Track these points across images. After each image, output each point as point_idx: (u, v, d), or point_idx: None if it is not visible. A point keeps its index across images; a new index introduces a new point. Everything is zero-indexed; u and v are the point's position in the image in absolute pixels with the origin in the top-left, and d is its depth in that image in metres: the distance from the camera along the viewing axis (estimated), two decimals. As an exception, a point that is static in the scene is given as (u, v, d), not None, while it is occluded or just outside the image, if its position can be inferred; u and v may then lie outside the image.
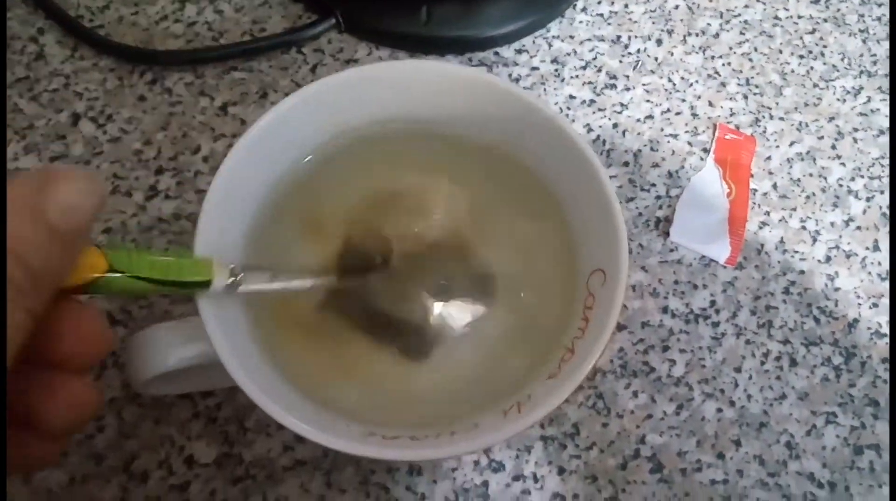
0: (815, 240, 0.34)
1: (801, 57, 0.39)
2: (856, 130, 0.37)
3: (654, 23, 0.39)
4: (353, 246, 0.27)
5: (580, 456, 0.29)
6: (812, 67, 0.39)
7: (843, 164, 0.36)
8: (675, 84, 0.37)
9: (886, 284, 0.34)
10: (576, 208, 0.26)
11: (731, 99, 0.37)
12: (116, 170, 0.33)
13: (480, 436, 0.22)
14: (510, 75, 0.37)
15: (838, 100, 0.38)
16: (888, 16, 0.40)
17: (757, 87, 0.38)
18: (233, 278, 0.22)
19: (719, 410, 0.31)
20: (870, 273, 0.34)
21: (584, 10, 0.39)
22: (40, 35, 0.36)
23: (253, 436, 0.29)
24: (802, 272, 0.34)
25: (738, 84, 0.38)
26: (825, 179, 0.36)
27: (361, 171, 0.28)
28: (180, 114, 0.34)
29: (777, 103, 0.37)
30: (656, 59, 0.38)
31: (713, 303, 0.33)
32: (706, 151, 0.36)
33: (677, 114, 0.37)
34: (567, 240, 0.27)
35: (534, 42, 0.38)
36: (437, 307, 0.27)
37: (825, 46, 0.39)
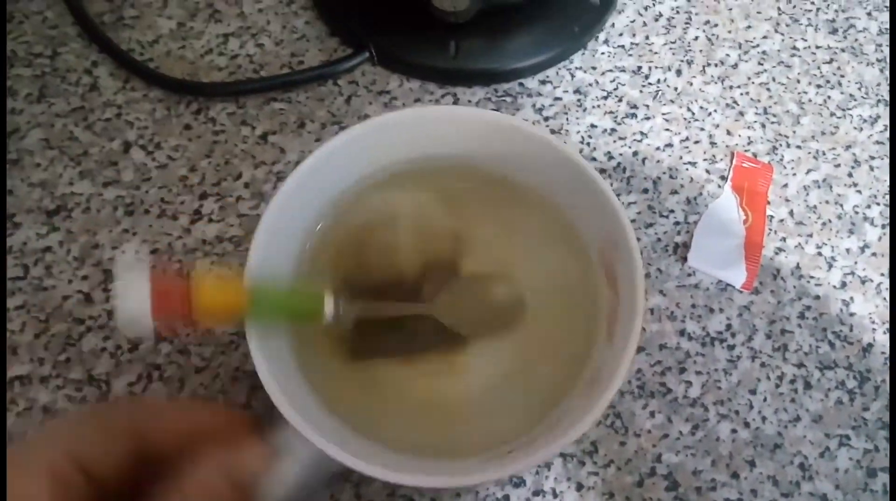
0: (830, 266, 0.35)
1: (819, 86, 0.40)
2: (872, 158, 0.38)
3: (673, 54, 0.40)
4: (392, 277, 0.29)
5: (598, 473, 0.31)
6: (829, 97, 0.40)
7: (859, 191, 0.37)
8: (693, 113, 0.39)
9: (901, 309, 0.34)
10: (595, 238, 0.28)
11: (748, 128, 0.38)
12: (164, 195, 0.35)
13: (510, 464, 0.24)
14: (534, 105, 0.38)
15: (855, 128, 0.39)
16: (906, 46, 0.41)
17: (774, 116, 0.39)
18: (336, 308, 0.25)
19: (734, 431, 0.32)
20: (885, 299, 0.35)
21: (605, 41, 0.41)
22: (94, 67, 0.39)
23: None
24: (818, 298, 0.35)
25: (756, 113, 0.39)
26: (841, 206, 0.37)
27: (398, 204, 0.30)
28: (223, 142, 0.37)
29: (794, 132, 0.39)
30: (676, 89, 0.39)
31: (729, 327, 0.34)
32: (724, 178, 0.37)
33: (696, 142, 0.38)
34: (587, 266, 0.29)
35: (557, 73, 0.39)
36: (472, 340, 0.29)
37: (842, 76, 0.40)
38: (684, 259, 0.35)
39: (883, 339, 0.34)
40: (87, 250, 0.34)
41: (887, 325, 0.34)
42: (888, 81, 0.40)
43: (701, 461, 0.31)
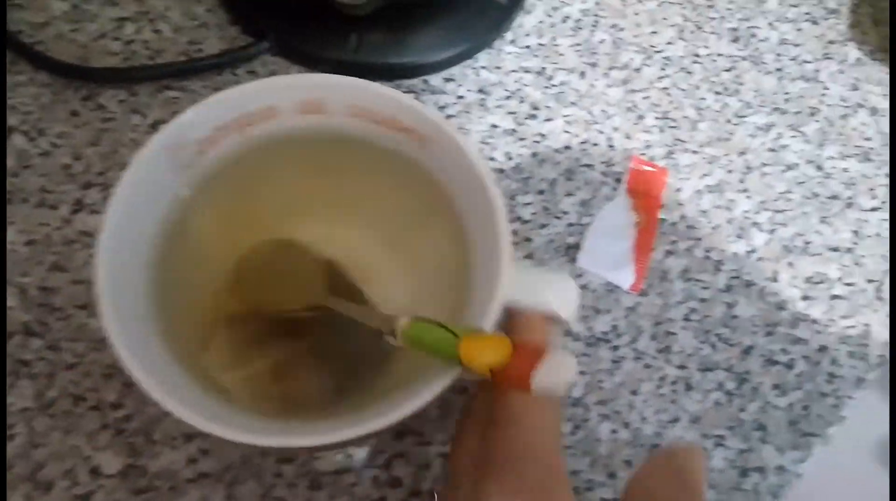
0: (717, 269, 0.36)
1: (718, 93, 0.41)
2: (764, 164, 0.39)
3: (579, 56, 0.41)
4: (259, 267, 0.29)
5: (478, 472, 0.31)
6: (727, 103, 0.40)
7: (749, 197, 0.38)
8: (594, 116, 0.39)
9: (784, 313, 0.35)
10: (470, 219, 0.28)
11: (647, 132, 0.39)
12: (44, 183, 0.34)
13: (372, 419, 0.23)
14: (436, 103, 0.38)
15: (749, 135, 0.40)
16: (802, 56, 0.42)
17: (673, 121, 0.40)
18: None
19: (614, 431, 0.32)
20: (768, 302, 0.36)
21: (512, 41, 0.41)
22: (-22, 49, 0.37)
23: (159, 448, 0.30)
24: (703, 300, 0.35)
25: (656, 118, 0.39)
26: (731, 211, 0.37)
27: (266, 176, 0.30)
28: (112, 130, 0.36)
29: (691, 137, 0.39)
30: (578, 91, 0.40)
31: (615, 327, 0.34)
32: (619, 181, 0.37)
33: (594, 145, 0.38)
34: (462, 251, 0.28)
35: (461, 71, 0.39)
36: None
37: (741, 84, 0.41)
38: (574, 260, 0.35)
39: (763, 341, 0.35)
40: (-41, 239, 0.33)
41: (768, 328, 0.35)
42: (784, 91, 0.41)
43: (580, 460, 0.32)
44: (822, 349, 0.35)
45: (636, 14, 0.43)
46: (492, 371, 0.20)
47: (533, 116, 0.39)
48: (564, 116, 0.39)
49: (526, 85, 0.39)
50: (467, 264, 0.27)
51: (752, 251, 0.37)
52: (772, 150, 0.39)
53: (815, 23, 0.44)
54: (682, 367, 0.34)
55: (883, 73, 0.42)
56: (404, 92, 0.38)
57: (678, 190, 0.38)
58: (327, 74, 0.27)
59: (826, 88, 0.41)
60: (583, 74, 0.40)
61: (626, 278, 0.35)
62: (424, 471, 0.31)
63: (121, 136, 0.36)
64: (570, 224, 0.36)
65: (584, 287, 0.35)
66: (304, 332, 0.29)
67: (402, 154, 0.28)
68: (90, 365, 0.31)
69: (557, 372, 0.19)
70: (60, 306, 0.32)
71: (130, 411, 0.30)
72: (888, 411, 0.34)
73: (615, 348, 0.34)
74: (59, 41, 0.38)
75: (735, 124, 0.40)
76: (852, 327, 0.35)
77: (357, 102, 0.27)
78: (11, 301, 0.32)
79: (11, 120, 0.35)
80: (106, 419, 0.30)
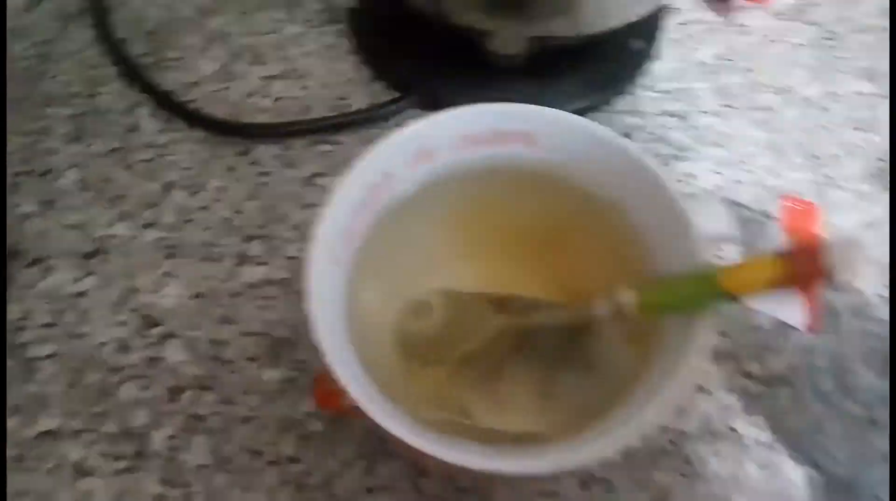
0: (889, 304, 0.35)
1: (857, 130, 0.40)
2: (920, 201, 0.38)
3: (716, 98, 0.40)
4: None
5: (673, 527, 0.29)
6: (872, 140, 0.40)
7: (911, 234, 0.37)
8: (740, 156, 0.39)
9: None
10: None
11: (794, 170, 0.38)
12: (207, 237, 0.34)
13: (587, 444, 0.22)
14: (581, 148, 0.38)
15: (902, 172, 0.39)
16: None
17: (818, 158, 0.39)
18: None
19: (807, 473, 0.30)
20: (948, 342, 0.34)
21: (650, 87, 0.41)
22: (135, 108, 0.38)
23: (342, 503, 0.29)
24: (878, 337, 0.34)
25: (801, 156, 0.39)
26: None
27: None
28: (268, 184, 0.36)
29: (839, 173, 0.38)
30: (721, 132, 0.39)
31: (793, 368, 0.33)
32: (770, 218, 0.37)
33: (743, 184, 0.38)
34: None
35: (602, 118, 0.39)
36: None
37: (881, 121, 0.40)
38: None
39: (954, 383, 0.33)
40: (125, 295, 0.33)
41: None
42: None
43: (780, 511, 0.30)
44: None
45: (767, 57, 0.43)
46: (782, 280, 0.19)
47: (680, 158, 0.38)
48: (710, 157, 0.38)
49: (669, 128, 0.39)
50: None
51: (925, 288, 0.35)
52: (926, 185, 0.38)
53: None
54: (866, 405, 0.32)
55: None
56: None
57: (836, 226, 0.37)
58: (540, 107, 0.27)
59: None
60: (723, 116, 0.40)
61: (799, 315, 0.34)
62: (618, 526, 0.29)
63: (278, 189, 0.36)
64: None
65: (756, 327, 0.33)
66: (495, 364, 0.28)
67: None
68: (266, 418, 0.30)
69: (849, 251, 0.18)
70: (231, 358, 0.31)
71: (309, 466, 0.29)
72: None
73: (797, 387, 0.32)
74: (210, 100, 0.38)
75: (882, 160, 0.39)
76: None
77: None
78: (182, 355, 0.31)
79: (170, 176, 0.36)
80: (285, 474, 0.29)
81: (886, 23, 0.44)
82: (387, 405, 0.23)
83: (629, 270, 0.28)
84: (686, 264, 0.25)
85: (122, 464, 0.29)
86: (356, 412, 0.28)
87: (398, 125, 0.38)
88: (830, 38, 0.43)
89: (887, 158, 0.39)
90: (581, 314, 0.26)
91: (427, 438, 0.21)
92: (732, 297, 0.21)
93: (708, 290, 0.21)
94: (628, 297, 0.23)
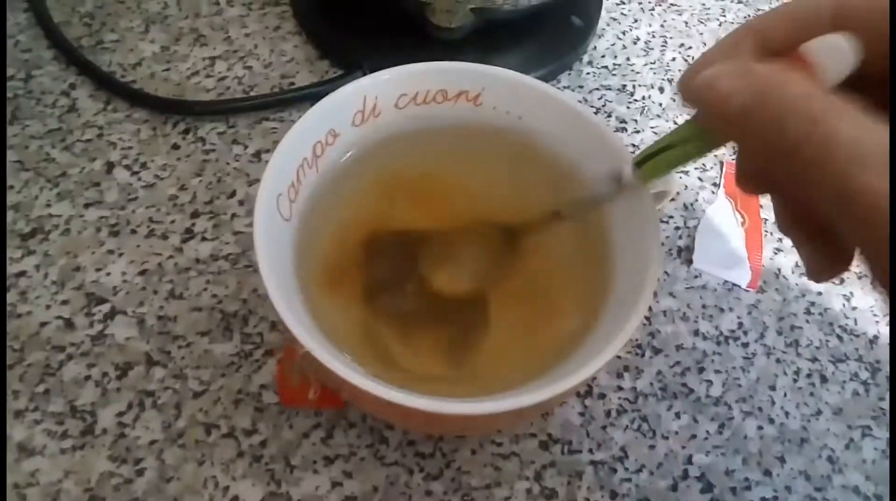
0: (827, 264, 0.36)
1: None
2: (849, 164, 0.40)
3: (654, 73, 0.42)
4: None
5: (631, 480, 0.29)
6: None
7: (843, 194, 0.38)
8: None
9: (898, 303, 0.35)
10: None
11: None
12: (152, 214, 0.33)
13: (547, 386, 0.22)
14: (527, 121, 0.39)
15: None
16: None
17: (755, 128, 0.40)
18: None
19: (760, 427, 0.31)
20: (882, 292, 0.35)
21: (589, 62, 0.42)
22: (72, 90, 0.37)
23: (300, 474, 0.28)
24: (820, 294, 0.35)
25: (738, 126, 0.40)
26: (829, 208, 0.38)
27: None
28: (214, 161, 0.35)
29: (775, 142, 0.40)
30: (660, 104, 0.41)
31: (741, 325, 0.34)
32: (716, 185, 0.38)
33: (686, 153, 0.39)
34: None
35: (546, 91, 0.40)
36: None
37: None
38: (689, 262, 0.35)
39: (887, 330, 0.34)
40: (68, 273, 0.32)
41: (888, 317, 0.35)
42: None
43: (732, 460, 0.30)
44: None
45: (700, 34, 0.44)
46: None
47: (622, 129, 0.39)
48: (652, 127, 0.40)
49: (609, 101, 0.40)
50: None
51: (857, 245, 0.37)
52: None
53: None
54: (813, 360, 0.33)
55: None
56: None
57: (773, 191, 0.38)
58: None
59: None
60: (661, 90, 0.41)
61: (743, 276, 0.35)
62: (577, 480, 0.29)
63: (224, 166, 0.35)
64: (677, 227, 0.36)
65: (703, 288, 0.34)
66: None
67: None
68: (218, 392, 0.29)
69: (832, 40, 0.18)
70: (181, 333, 0.31)
71: (266, 436, 0.29)
72: None
73: (745, 345, 0.33)
74: (151, 80, 0.38)
75: (814, 128, 0.41)
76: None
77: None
78: (130, 332, 0.30)
79: (112, 156, 0.35)
80: (241, 446, 0.28)
81: (810, 2, 0.46)
82: (337, 353, 0.23)
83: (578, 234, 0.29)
84: (634, 221, 0.26)
85: (68, 443, 0.27)
86: (322, 402, 0.28)
87: (345, 100, 0.38)
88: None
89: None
90: (582, 199, 0.27)
91: (373, 382, 0.21)
92: (712, 141, 0.23)
93: (696, 139, 0.22)
94: (628, 173, 0.25)
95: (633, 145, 0.39)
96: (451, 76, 0.29)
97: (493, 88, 0.29)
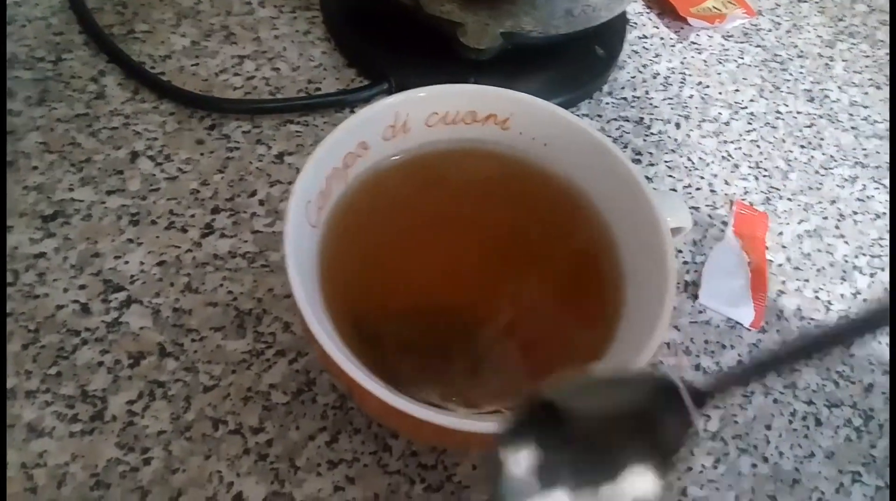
0: (827, 309, 0.37)
1: (802, 147, 0.43)
2: (855, 212, 0.41)
3: (672, 108, 0.43)
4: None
5: (625, 506, 0.30)
6: (812, 156, 0.43)
7: (846, 242, 0.39)
8: (693, 163, 0.41)
9: None
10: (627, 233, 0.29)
11: (744, 179, 0.41)
12: (172, 207, 0.34)
13: None
14: (546, 145, 0.39)
15: (838, 186, 0.42)
16: (873, 117, 0.45)
17: (766, 170, 0.41)
18: None
19: (754, 465, 0.32)
20: (879, 343, 0.36)
21: (609, 93, 0.43)
22: (101, 76, 0.37)
23: (304, 475, 0.28)
24: (818, 338, 0.36)
25: (749, 167, 0.41)
26: (832, 254, 0.39)
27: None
28: (237, 159, 0.36)
29: (784, 185, 0.41)
30: (675, 139, 0.41)
31: (740, 363, 0.34)
32: (725, 223, 0.39)
33: (697, 189, 0.40)
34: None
35: (567, 117, 0.41)
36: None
37: (822, 139, 0.43)
38: (695, 297, 0.36)
39: (882, 380, 0.35)
40: (86, 259, 0.32)
41: (886, 366, 0.36)
42: (861, 147, 0.44)
43: (725, 495, 0.31)
44: (937, 387, 0.35)
45: (718, 74, 0.45)
46: None
47: (637, 161, 0.40)
48: (666, 161, 0.40)
49: (627, 132, 0.41)
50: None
51: (857, 293, 0.38)
52: (860, 200, 0.41)
53: (878, 88, 0.47)
54: (809, 402, 0.34)
55: (946, 135, 0.45)
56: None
57: (780, 234, 0.39)
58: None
59: (898, 147, 0.44)
60: (678, 125, 0.42)
61: (746, 315, 0.36)
62: None
63: (246, 164, 0.36)
64: (685, 262, 0.37)
65: (706, 323, 0.35)
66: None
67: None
68: (228, 388, 0.30)
69: None
70: (195, 327, 0.31)
71: (272, 435, 0.29)
72: None
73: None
74: (181, 74, 0.38)
75: (822, 175, 0.42)
76: (960, 367, 0.36)
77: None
78: (144, 321, 0.31)
79: (137, 145, 0.35)
80: (247, 443, 0.29)
81: (827, 51, 0.48)
82: (355, 360, 0.23)
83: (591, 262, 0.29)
84: (649, 255, 0.27)
85: (77, 427, 0.28)
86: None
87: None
88: (775, 61, 0.47)
89: (825, 172, 0.42)
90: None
91: (386, 389, 0.22)
92: None
93: None
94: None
95: (648, 177, 0.39)
96: (484, 99, 0.30)
97: (523, 113, 0.30)
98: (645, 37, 0.46)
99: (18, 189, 0.33)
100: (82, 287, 0.31)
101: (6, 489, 0.26)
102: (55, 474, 0.27)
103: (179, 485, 0.28)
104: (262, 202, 0.35)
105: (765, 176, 0.41)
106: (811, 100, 0.45)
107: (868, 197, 0.42)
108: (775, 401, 0.34)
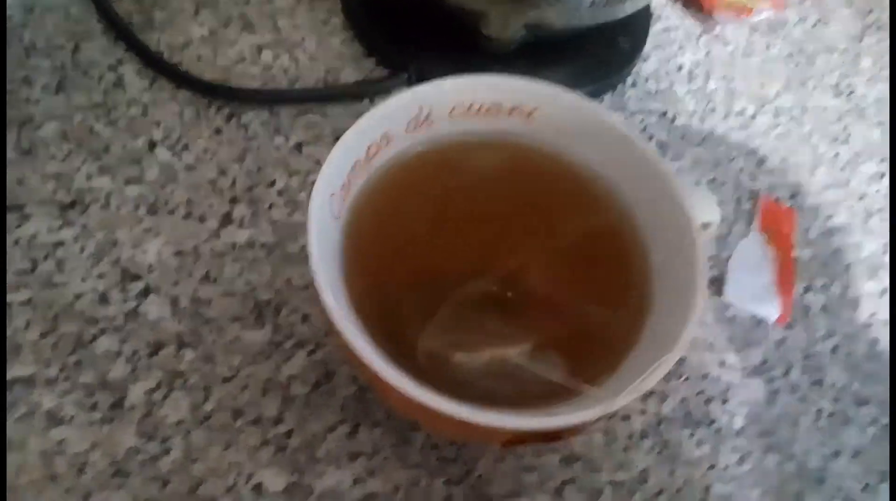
0: (855, 306, 0.36)
1: (829, 142, 0.42)
2: (880, 210, 0.40)
3: (696, 101, 0.42)
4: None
5: (649, 504, 0.29)
6: (839, 152, 0.42)
7: (874, 239, 0.39)
8: (718, 157, 0.40)
9: (922, 352, 0.35)
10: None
11: (770, 174, 0.40)
12: (191, 196, 0.33)
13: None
14: (568, 137, 0.39)
15: (865, 182, 0.41)
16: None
17: (792, 165, 0.41)
18: None
19: (780, 463, 0.31)
20: (907, 341, 0.36)
21: (633, 85, 0.42)
22: (119, 65, 0.37)
23: (323, 467, 0.28)
24: (847, 336, 0.35)
25: (775, 162, 0.41)
26: (859, 251, 0.38)
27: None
28: (255, 149, 0.35)
29: (811, 181, 0.40)
30: (700, 133, 0.41)
31: (766, 360, 0.34)
32: (751, 218, 0.38)
33: (722, 184, 0.39)
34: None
35: (589, 109, 0.40)
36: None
37: (849, 134, 0.43)
38: (720, 293, 0.35)
39: (911, 379, 0.34)
40: (105, 248, 0.32)
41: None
42: (889, 143, 0.43)
43: (750, 493, 0.30)
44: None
45: (744, 67, 0.44)
46: None
47: (661, 154, 0.39)
48: (690, 155, 0.40)
49: (651, 124, 0.40)
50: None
51: (885, 291, 0.37)
52: (887, 196, 0.40)
53: (906, 83, 0.46)
54: (836, 400, 0.33)
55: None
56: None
57: (807, 230, 0.38)
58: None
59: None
60: (702, 119, 0.41)
61: (772, 311, 0.35)
62: (596, 498, 0.29)
63: (265, 154, 0.35)
64: (710, 257, 0.36)
65: (732, 320, 0.35)
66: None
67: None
68: (247, 379, 0.29)
69: None
70: (213, 317, 0.31)
71: (291, 426, 0.29)
72: None
73: (770, 380, 0.33)
74: (199, 63, 0.38)
75: (850, 171, 0.41)
76: None
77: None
78: (163, 311, 0.30)
79: (155, 134, 0.35)
80: (266, 434, 0.28)
81: (852, 45, 0.47)
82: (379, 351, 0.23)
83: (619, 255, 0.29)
84: (679, 250, 0.26)
85: (97, 415, 0.27)
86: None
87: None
88: (802, 55, 0.46)
89: (851, 168, 0.41)
90: None
91: (409, 381, 0.22)
92: None
93: None
94: None
95: (671, 171, 0.39)
96: (509, 91, 0.29)
97: (549, 104, 0.29)
98: (669, 29, 0.45)
99: (37, 177, 0.33)
100: (100, 276, 0.31)
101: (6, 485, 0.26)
102: (75, 462, 0.26)
103: (199, 475, 0.27)
104: (280, 193, 0.34)
105: (792, 171, 0.40)
106: (838, 94, 0.44)
107: (896, 193, 0.41)
108: (801, 399, 0.33)
